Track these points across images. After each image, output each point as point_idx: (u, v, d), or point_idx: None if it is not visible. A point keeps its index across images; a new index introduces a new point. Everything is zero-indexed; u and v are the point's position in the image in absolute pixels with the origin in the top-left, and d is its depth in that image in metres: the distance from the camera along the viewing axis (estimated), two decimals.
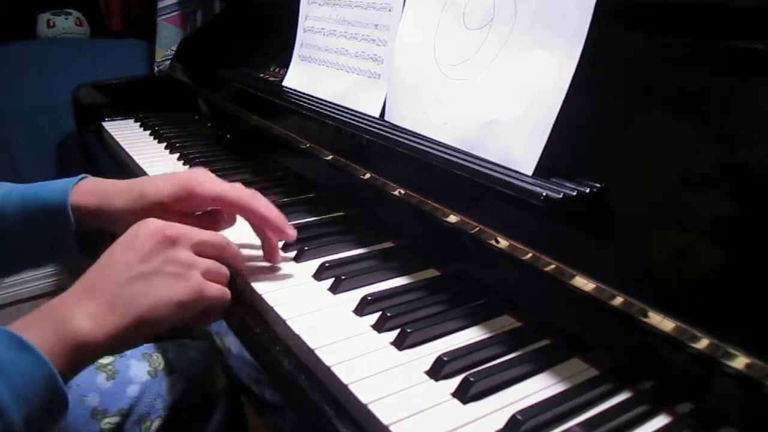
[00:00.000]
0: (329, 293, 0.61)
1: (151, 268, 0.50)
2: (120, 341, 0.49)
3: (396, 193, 0.69)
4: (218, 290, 0.54)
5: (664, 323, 0.44)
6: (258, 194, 0.64)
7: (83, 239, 0.64)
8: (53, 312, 0.47)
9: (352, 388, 0.47)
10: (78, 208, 0.62)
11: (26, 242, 0.63)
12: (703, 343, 0.42)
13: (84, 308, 0.47)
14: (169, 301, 0.50)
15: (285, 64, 0.98)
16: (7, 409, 0.41)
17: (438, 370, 0.49)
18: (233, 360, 0.85)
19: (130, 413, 0.67)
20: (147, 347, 0.73)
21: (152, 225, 0.53)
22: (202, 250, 0.55)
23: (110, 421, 0.66)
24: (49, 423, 0.46)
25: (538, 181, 0.54)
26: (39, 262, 0.67)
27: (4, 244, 0.63)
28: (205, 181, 0.63)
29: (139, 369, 0.70)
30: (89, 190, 0.63)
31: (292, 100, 0.88)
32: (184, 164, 1.01)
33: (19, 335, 0.44)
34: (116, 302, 0.48)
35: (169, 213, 0.61)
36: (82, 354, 0.47)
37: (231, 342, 0.87)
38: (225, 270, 0.57)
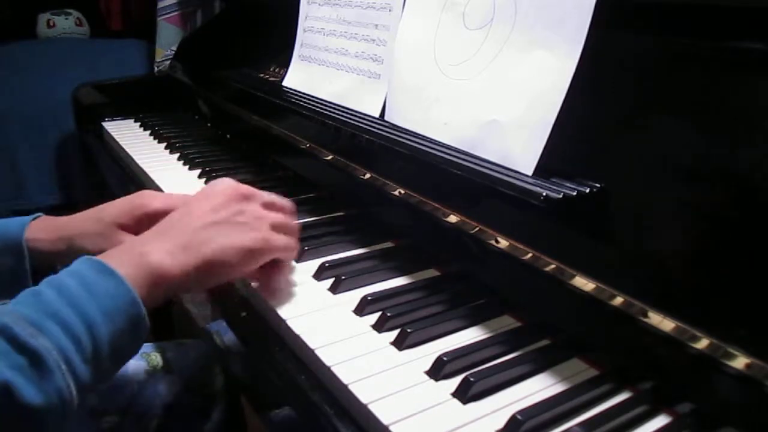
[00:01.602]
0: (329, 293, 0.61)
1: (223, 217, 0.54)
2: (193, 279, 0.52)
3: (396, 193, 0.69)
4: (284, 240, 0.58)
5: (664, 323, 0.44)
6: None
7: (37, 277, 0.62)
8: (132, 247, 0.51)
9: (352, 388, 0.47)
10: (34, 243, 0.61)
11: None
12: (703, 343, 0.42)
13: (160, 245, 0.51)
14: (237, 246, 0.53)
15: (285, 64, 0.98)
16: (95, 325, 0.44)
17: (438, 370, 0.49)
18: (233, 359, 0.85)
19: (128, 412, 0.67)
20: (145, 347, 0.73)
21: (227, 181, 0.59)
22: (271, 209, 0.59)
23: (109, 420, 0.66)
24: (131, 346, 0.48)
25: (538, 181, 0.54)
26: None
27: None
28: (153, 196, 0.64)
29: (138, 368, 0.70)
30: (46, 226, 0.63)
31: (292, 100, 0.88)
32: (184, 164, 1.01)
33: (104, 262, 0.47)
34: (189, 243, 0.52)
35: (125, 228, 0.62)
36: (159, 285, 0.49)
37: (230, 341, 0.87)
38: (294, 224, 0.61)
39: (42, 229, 0.63)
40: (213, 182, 0.59)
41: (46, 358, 0.40)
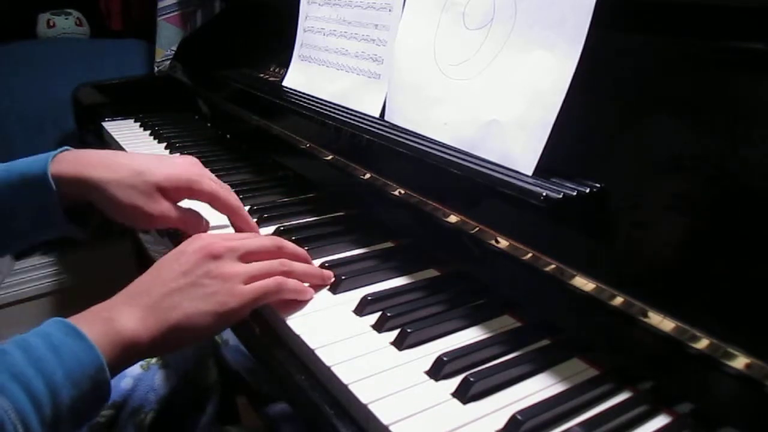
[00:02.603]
0: (329, 293, 0.61)
1: (189, 281, 0.53)
2: (161, 345, 0.51)
3: (396, 193, 0.69)
4: (251, 296, 0.54)
5: (664, 323, 0.44)
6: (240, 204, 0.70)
7: (71, 211, 0.65)
8: (101, 312, 0.50)
9: (352, 388, 0.47)
10: (59, 177, 0.62)
11: (12, 217, 0.64)
12: (703, 343, 0.42)
13: (128, 311, 0.50)
14: (203, 312, 0.52)
15: (285, 64, 0.98)
16: (58, 389, 0.44)
17: (438, 370, 0.49)
18: (230, 352, 0.85)
19: (123, 406, 0.68)
20: None
21: (199, 242, 0.56)
22: (251, 258, 0.57)
23: (104, 414, 0.66)
24: (91, 412, 0.48)
25: (538, 181, 0.54)
26: (29, 235, 0.68)
27: None
28: (203, 175, 0.67)
29: None
30: (71, 159, 0.64)
31: (292, 100, 0.88)
32: None
33: (73, 325, 0.47)
34: (156, 309, 0.51)
35: (164, 195, 0.64)
36: (126, 351, 0.49)
37: (225, 334, 0.87)
38: (275, 265, 0.57)
39: (68, 159, 0.64)
40: (188, 240, 0.57)
41: (2, 418, 0.40)
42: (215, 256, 0.55)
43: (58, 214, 0.63)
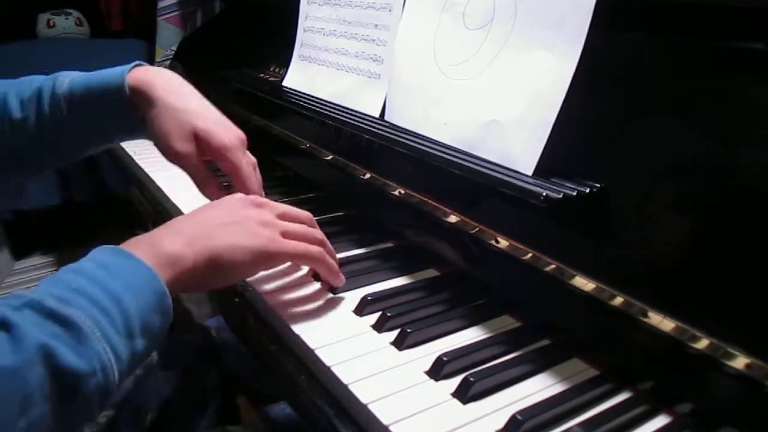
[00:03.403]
0: (329, 293, 0.61)
1: (234, 220, 0.54)
2: (202, 274, 0.51)
3: (396, 193, 0.69)
4: (295, 246, 0.56)
5: (664, 323, 0.44)
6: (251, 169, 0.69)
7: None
8: (144, 239, 0.51)
9: (352, 388, 0.47)
10: (131, 87, 0.66)
11: (92, 122, 0.68)
12: (703, 343, 0.42)
13: (173, 238, 0.51)
14: (247, 246, 0.53)
15: (285, 64, 0.98)
16: (122, 299, 0.44)
17: (438, 370, 0.49)
18: (229, 354, 0.85)
19: (124, 407, 0.68)
20: None
21: (240, 194, 0.59)
22: (284, 218, 0.58)
23: (105, 414, 0.66)
24: (160, 323, 0.47)
25: (538, 181, 0.54)
26: (104, 141, 0.73)
27: (74, 128, 0.68)
28: (239, 149, 0.67)
29: None
30: (143, 74, 0.68)
31: (292, 100, 0.88)
32: None
33: (120, 247, 0.48)
34: (200, 238, 0.52)
35: (197, 142, 0.66)
36: (173, 270, 0.49)
37: (226, 336, 0.87)
38: (312, 232, 0.59)
39: (139, 74, 0.67)
40: (227, 196, 0.59)
41: (80, 324, 0.40)
42: (258, 205, 0.57)
43: (129, 116, 0.67)
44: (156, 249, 0.49)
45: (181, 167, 0.66)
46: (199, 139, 0.65)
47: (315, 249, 0.57)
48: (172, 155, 0.65)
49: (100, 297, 0.43)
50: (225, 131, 0.66)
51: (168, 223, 0.54)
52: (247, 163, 0.66)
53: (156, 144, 0.67)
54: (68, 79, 0.68)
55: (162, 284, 0.47)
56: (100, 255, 0.47)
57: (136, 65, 0.68)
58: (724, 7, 0.48)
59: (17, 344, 0.38)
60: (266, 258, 0.55)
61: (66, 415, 0.40)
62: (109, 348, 0.41)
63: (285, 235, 0.56)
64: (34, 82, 0.69)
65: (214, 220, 0.54)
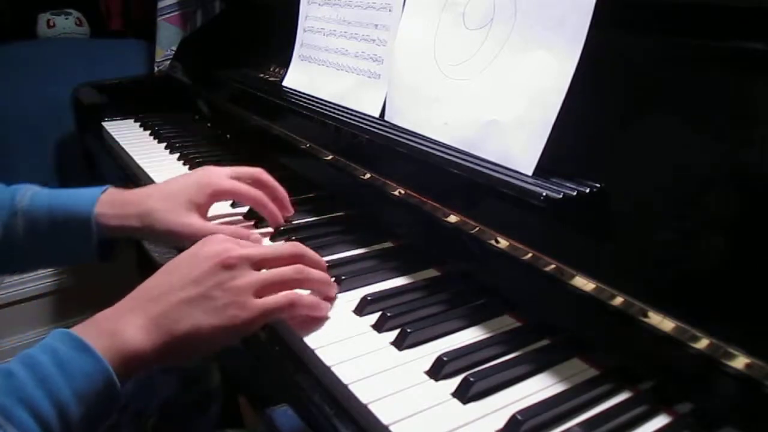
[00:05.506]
0: None
1: (200, 292, 0.51)
2: (166, 356, 0.50)
3: (396, 193, 0.69)
4: (268, 306, 0.52)
5: (664, 323, 0.44)
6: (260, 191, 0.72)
7: (104, 246, 0.68)
8: (105, 322, 0.49)
9: (352, 388, 0.47)
10: (101, 224, 0.66)
11: (49, 246, 0.67)
12: (703, 343, 0.42)
13: (133, 321, 0.49)
14: (212, 326, 0.50)
15: (285, 64, 0.98)
16: (67, 408, 0.43)
17: (438, 370, 0.49)
18: (229, 355, 0.85)
19: (126, 410, 0.68)
20: None
21: (214, 246, 0.54)
22: (265, 265, 0.55)
23: None
24: (103, 419, 0.47)
25: (538, 181, 0.54)
26: (56, 264, 0.75)
27: (28, 247, 0.66)
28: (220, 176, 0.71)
29: None
30: (113, 201, 0.67)
31: (292, 100, 0.88)
32: (184, 164, 1.01)
33: (79, 337, 0.46)
34: (163, 320, 0.50)
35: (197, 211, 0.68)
36: (130, 363, 0.48)
37: None
38: (289, 273, 0.55)
39: (110, 204, 0.67)
40: (203, 241, 0.55)
41: None
42: (229, 267, 0.52)
43: (93, 254, 0.67)
44: (118, 341, 0.47)
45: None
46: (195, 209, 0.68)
47: (282, 301, 0.53)
48: (190, 239, 0.64)
49: (45, 409, 0.42)
50: (220, 178, 0.70)
51: (137, 290, 0.52)
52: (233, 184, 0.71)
53: (179, 231, 0.67)
54: (30, 193, 0.67)
55: (117, 389, 0.46)
56: (61, 347, 0.45)
57: (103, 193, 0.68)
58: (725, 7, 0.48)
59: None
60: (235, 332, 0.52)
61: None
62: None
63: (262, 290, 0.53)
64: None
65: (182, 291, 0.51)
